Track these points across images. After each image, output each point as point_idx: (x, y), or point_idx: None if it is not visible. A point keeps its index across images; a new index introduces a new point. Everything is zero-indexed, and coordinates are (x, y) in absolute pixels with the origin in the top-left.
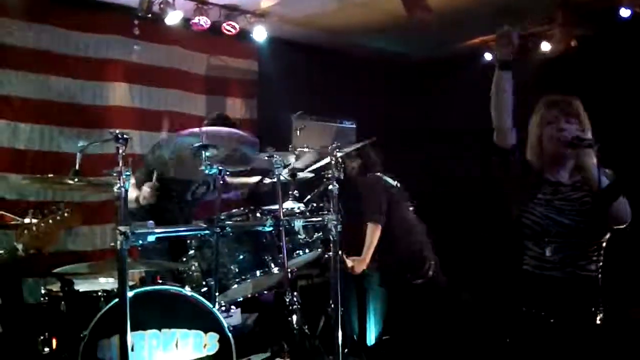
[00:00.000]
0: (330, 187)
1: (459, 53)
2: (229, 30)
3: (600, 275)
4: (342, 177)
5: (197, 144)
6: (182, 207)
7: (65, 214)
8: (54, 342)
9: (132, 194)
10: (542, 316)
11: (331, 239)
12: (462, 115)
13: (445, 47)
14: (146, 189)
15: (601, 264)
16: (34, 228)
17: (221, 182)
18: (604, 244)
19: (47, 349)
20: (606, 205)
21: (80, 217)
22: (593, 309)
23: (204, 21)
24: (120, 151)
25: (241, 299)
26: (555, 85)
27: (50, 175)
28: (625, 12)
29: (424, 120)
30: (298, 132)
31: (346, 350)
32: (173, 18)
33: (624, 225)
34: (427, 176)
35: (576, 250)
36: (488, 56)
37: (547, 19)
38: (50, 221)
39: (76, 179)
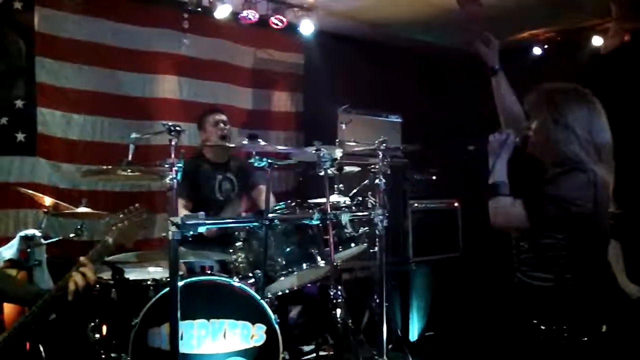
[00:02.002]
0: (376, 181)
1: (507, 47)
2: (276, 24)
3: (549, 285)
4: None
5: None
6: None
7: (144, 216)
8: (104, 328)
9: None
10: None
11: (377, 233)
12: None
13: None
14: None
15: (550, 273)
16: (119, 225)
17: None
18: (557, 252)
19: (97, 335)
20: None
21: (151, 220)
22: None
23: (252, 15)
24: (173, 143)
25: (287, 291)
26: (606, 80)
27: (104, 167)
28: None
29: (470, 114)
30: (344, 125)
31: (390, 345)
32: (222, 12)
33: (508, 230)
34: (471, 173)
35: (520, 255)
36: (537, 50)
37: (600, 12)
38: (134, 219)
39: (129, 170)
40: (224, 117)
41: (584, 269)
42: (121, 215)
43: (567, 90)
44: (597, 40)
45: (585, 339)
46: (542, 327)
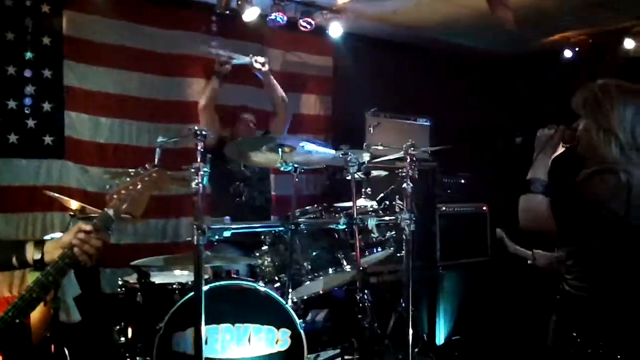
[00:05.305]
0: (404, 185)
1: (538, 50)
2: (304, 27)
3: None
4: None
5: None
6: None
7: (153, 175)
8: (130, 332)
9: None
10: None
11: (404, 237)
12: (541, 112)
13: (525, 44)
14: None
15: (585, 282)
16: (123, 192)
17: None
18: (590, 260)
19: (122, 339)
20: None
21: (168, 179)
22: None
23: (280, 17)
24: (199, 147)
25: (312, 295)
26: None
27: (130, 170)
28: None
29: (502, 118)
30: (372, 129)
31: (416, 349)
32: (250, 14)
33: (535, 230)
34: (502, 177)
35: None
36: (568, 52)
37: (632, 14)
38: (139, 185)
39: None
40: (253, 119)
41: (619, 279)
42: (126, 181)
43: (612, 89)
44: (629, 43)
45: (619, 357)
46: (579, 340)
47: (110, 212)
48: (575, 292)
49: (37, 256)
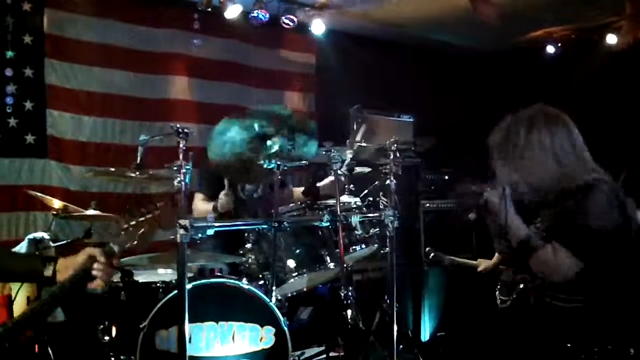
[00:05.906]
0: (388, 182)
1: (522, 45)
2: (287, 24)
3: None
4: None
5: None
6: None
7: (158, 213)
8: (114, 330)
9: (205, 206)
10: None
11: (388, 234)
12: (525, 108)
13: (509, 40)
14: (222, 197)
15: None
16: (131, 229)
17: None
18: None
19: (107, 338)
20: None
21: (173, 217)
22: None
23: (262, 15)
24: (181, 145)
25: (296, 293)
26: (621, 80)
27: (112, 169)
28: None
29: (486, 114)
30: (355, 126)
31: (401, 346)
32: (232, 12)
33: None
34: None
35: None
36: (550, 48)
37: (615, 9)
38: (145, 223)
39: (138, 172)
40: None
41: (615, 287)
42: (133, 219)
43: (538, 115)
44: (611, 38)
45: None
46: (569, 346)
47: (115, 248)
48: (565, 304)
49: (49, 272)
